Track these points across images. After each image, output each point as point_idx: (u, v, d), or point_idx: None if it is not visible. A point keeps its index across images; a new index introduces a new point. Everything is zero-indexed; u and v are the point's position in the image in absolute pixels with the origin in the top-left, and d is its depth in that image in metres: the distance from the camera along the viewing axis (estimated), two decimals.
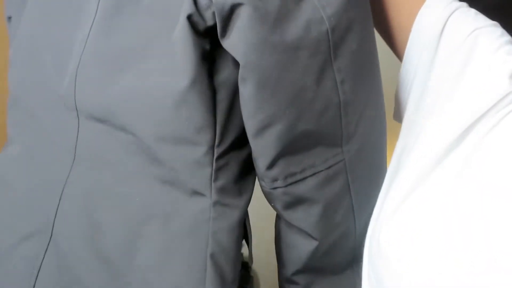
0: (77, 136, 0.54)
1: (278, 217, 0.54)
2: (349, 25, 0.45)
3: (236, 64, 0.44)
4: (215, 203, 0.48)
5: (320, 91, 0.45)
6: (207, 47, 0.45)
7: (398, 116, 0.53)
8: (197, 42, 0.44)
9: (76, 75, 0.52)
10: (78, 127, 0.53)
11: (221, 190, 0.48)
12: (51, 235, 0.54)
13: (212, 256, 0.48)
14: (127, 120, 0.49)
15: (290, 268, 0.54)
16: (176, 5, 0.45)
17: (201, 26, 0.44)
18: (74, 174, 0.54)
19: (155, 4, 0.47)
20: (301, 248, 0.52)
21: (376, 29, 0.53)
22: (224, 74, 0.47)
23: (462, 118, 0.42)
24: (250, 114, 0.45)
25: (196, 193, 0.48)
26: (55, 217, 0.54)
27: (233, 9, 0.42)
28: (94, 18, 0.51)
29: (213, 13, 0.43)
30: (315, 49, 0.44)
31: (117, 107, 0.49)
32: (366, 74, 0.50)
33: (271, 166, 0.47)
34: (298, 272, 0.54)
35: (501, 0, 0.57)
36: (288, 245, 0.53)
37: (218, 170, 0.48)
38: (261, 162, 0.47)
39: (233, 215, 0.49)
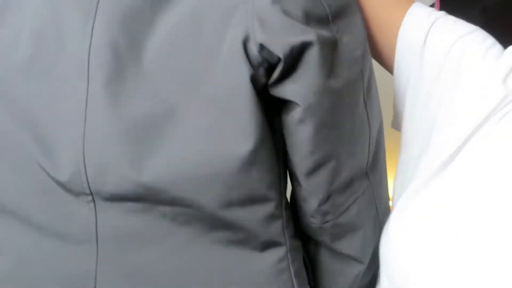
0: (96, 222, 0.48)
1: (318, 250, 0.55)
2: (370, 64, 0.50)
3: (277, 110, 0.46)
4: (291, 249, 0.50)
5: (362, 126, 0.50)
6: (263, 102, 0.45)
7: (397, 125, 0.56)
8: (258, 100, 0.43)
9: (84, 157, 0.46)
10: (96, 211, 0.48)
11: (291, 235, 0.50)
12: None
13: None
14: (179, 193, 0.45)
15: None
16: (206, 62, 0.44)
17: (259, 83, 0.44)
18: (104, 263, 0.48)
19: (168, 64, 0.44)
20: (349, 273, 0.53)
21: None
22: (276, 122, 0.48)
23: (464, 125, 0.44)
24: (306, 155, 0.46)
25: (269, 245, 0.48)
26: None
27: (302, 49, 0.43)
28: (87, 90, 0.46)
29: (266, 69, 0.44)
30: (356, 89, 0.48)
31: (161, 182, 0.45)
32: (377, 106, 0.54)
33: (324, 202, 0.49)
34: None
35: (501, 0, 0.57)
36: (334, 273, 0.55)
37: (288, 218, 0.50)
38: (314, 199, 0.49)
39: (300, 257, 0.52)
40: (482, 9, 1.62)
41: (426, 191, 0.45)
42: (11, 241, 0.51)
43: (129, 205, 0.47)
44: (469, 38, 0.48)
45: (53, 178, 0.48)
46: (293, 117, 0.45)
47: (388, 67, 0.54)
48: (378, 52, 0.54)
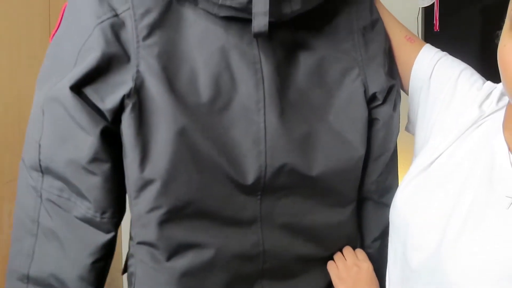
0: (260, 210, 0.70)
1: (367, 205, 0.82)
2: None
3: None
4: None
5: (397, 126, 0.79)
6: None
7: (410, 129, 0.81)
8: (367, 123, 0.76)
9: (266, 166, 0.67)
10: (261, 202, 0.70)
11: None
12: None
13: None
14: (330, 183, 0.73)
15: (374, 233, 0.83)
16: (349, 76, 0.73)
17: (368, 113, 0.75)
18: (266, 229, 0.71)
19: (303, 100, 0.70)
20: (385, 217, 0.74)
21: None
22: None
23: (452, 132, 0.66)
24: (376, 147, 0.77)
25: (351, 201, 0.78)
26: None
27: (386, 97, 0.75)
28: (265, 120, 0.66)
29: (377, 101, 0.75)
30: (396, 112, 0.78)
31: (322, 175, 0.71)
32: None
33: (379, 176, 0.79)
34: (380, 233, 0.82)
35: (500, 0, 0.58)
36: (377, 218, 0.82)
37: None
38: (375, 174, 0.79)
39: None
40: (482, 9, 1.63)
41: (421, 176, 0.67)
42: (210, 237, 0.68)
43: (287, 192, 0.70)
44: (464, 73, 0.71)
45: (237, 184, 0.67)
46: (375, 126, 0.76)
47: (404, 88, 0.79)
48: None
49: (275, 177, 0.68)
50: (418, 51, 0.75)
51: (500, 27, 0.56)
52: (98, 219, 0.66)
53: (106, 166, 0.65)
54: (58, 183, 0.67)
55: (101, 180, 0.65)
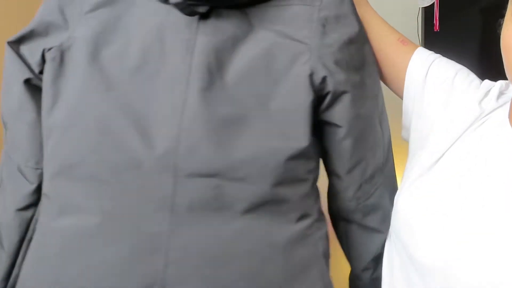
0: (174, 193, 0.61)
1: (350, 227, 0.74)
2: (382, 97, 0.74)
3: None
4: (317, 219, 0.68)
5: (378, 137, 0.73)
6: (313, 119, 0.66)
7: (406, 134, 0.75)
8: (312, 116, 0.65)
9: (179, 140, 0.62)
10: (175, 184, 0.61)
11: (318, 209, 0.70)
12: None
13: (324, 254, 0.69)
14: (247, 174, 0.62)
15: (362, 262, 0.74)
16: (273, 85, 0.65)
17: (314, 105, 0.66)
18: (176, 228, 0.61)
19: (244, 83, 0.65)
20: (373, 243, 0.72)
21: (381, 81, 0.77)
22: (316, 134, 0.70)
23: (453, 131, 0.64)
24: (348, 159, 0.69)
25: (303, 216, 0.66)
26: (165, 269, 0.61)
27: (342, 93, 0.66)
28: (186, 92, 0.64)
29: (319, 97, 0.65)
30: (374, 114, 0.72)
31: (237, 165, 0.62)
32: (387, 124, 0.76)
33: (357, 190, 0.71)
34: (369, 262, 0.74)
35: (500, 0, 0.59)
36: (362, 244, 0.74)
37: (316, 197, 0.70)
38: (351, 189, 0.71)
39: (325, 225, 0.71)
40: (482, 9, 1.63)
41: (424, 178, 0.63)
42: (97, 201, 0.63)
43: (207, 181, 0.62)
44: (458, 75, 0.69)
45: (143, 156, 0.62)
46: (338, 135, 0.68)
47: (397, 92, 0.76)
48: (390, 82, 0.77)
49: (190, 157, 0.62)
50: (412, 53, 0.73)
51: (502, 15, 0.57)
52: (22, 167, 0.71)
53: (30, 116, 0.71)
54: (9, 134, 0.74)
55: (27, 128, 0.71)
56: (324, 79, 0.65)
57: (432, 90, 0.70)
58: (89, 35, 0.69)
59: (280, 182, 0.63)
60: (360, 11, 0.73)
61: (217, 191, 0.62)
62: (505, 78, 0.59)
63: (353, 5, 0.71)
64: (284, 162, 0.62)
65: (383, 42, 0.75)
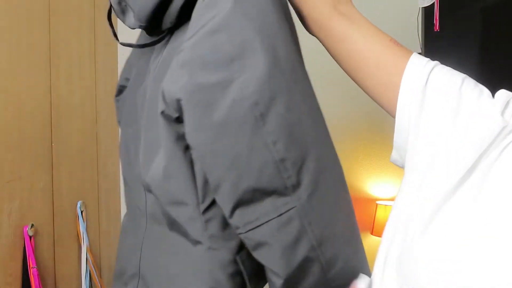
0: (146, 204, 0.70)
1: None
2: (273, 95, 0.54)
3: None
4: (208, 248, 0.60)
5: (254, 153, 0.55)
6: (181, 131, 0.57)
7: (397, 155, 0.63)
8: (170, 130, 0.58)
9: (142, 160, 0.66)
10: (146, 196, 0.69)
11: (212, 236, 0.61)
12: (139, 276, 0.73)
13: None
14: (153, 190, 0.64)
15: None
16: (157, 107, 0.60)
17: (172, 117, 0.58)
18: (147, 232, 0.71)
19: (151, 112, 0.64)
20: (274, 283, 0.59)
21: (368, 92, 0.67)
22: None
23: (468, 153, 0.51)
24: (205, 179, 0.59)
25: (197, 242, 0.61)
26: (139, 262, 0.73)
27: (178, 102, 0.55)
28: (143, 122, 0.69)
29: (170, 109, 0.57)
30: (241, 121, 0.54)
31: (149, 181, 0.64)
32: (301, 131, 0.57)
33: (230, 216, 0.57)
34: None
35: (500, 0, 0.58)
36: (268, 281, 0.62)
37: (207, 222, 0.60)
38: (225, 210, 0.57)
39: (224, 256, 0.61)
40: (482, 9, 1.63)
41: (443, 214, 0.50)
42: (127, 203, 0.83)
43: (149, 194, 0.67)
44: (464, 83, 0.59)
45: (136, 172, 0.71)
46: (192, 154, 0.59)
47: (385, 102, 0.64)
48: (378, 92, 0.65)
49: (145, 173, 0.67)
50: (406, 55, 0.65)
51: (502, 15, 0.53)
52: None
53: None
54: None
55: None
56: (163, 92, 0.61)
57: (436, 100, 0.60)
58: None
59: (170, 201, 0.62)
60: (347, 8, 0.68)
61: (156, 205, 0.67)
62: (505, 78, 0.58)
63: None
64: (159, 184, 0.63)
65: (378, 44, 0.67)
